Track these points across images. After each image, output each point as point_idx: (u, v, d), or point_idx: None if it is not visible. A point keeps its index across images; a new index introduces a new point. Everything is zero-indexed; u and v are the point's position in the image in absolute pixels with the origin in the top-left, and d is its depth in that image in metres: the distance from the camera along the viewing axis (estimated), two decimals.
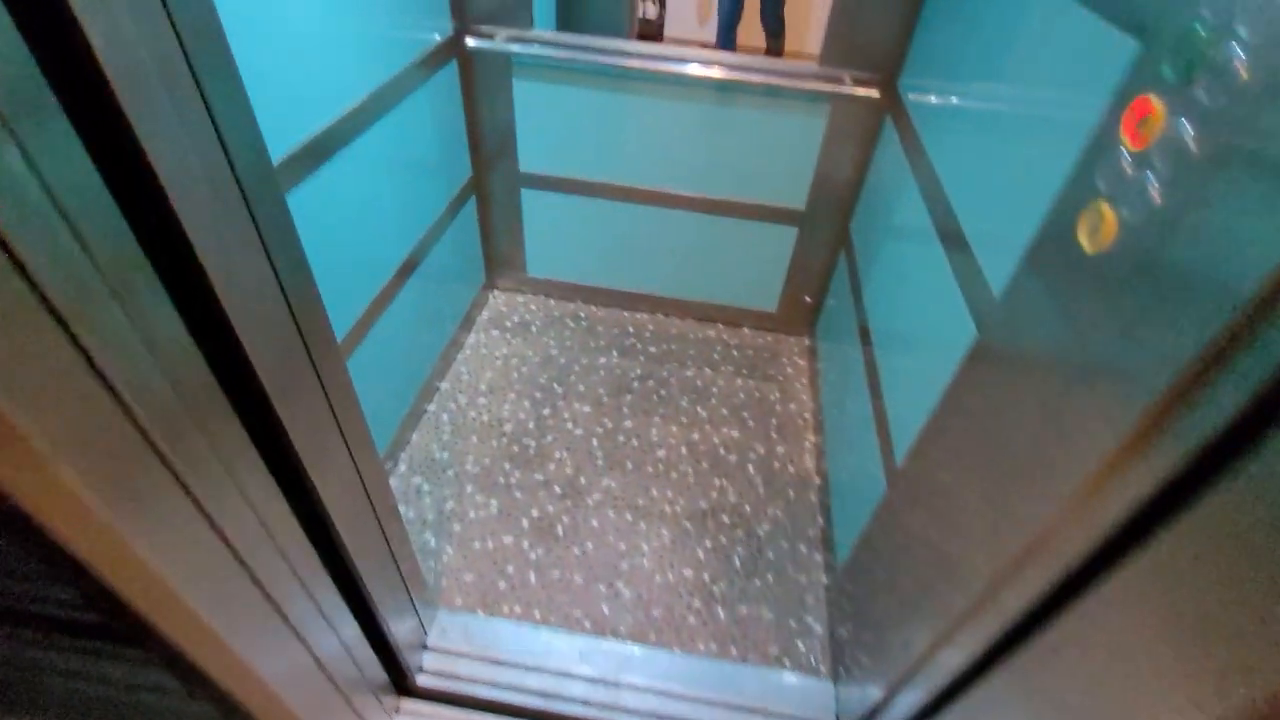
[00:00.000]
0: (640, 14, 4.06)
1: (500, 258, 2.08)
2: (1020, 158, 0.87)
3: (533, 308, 2.11)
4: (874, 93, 1.49)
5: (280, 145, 1.00)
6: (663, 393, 1.85)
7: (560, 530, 1.48)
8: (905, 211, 1.36)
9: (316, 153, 1.10)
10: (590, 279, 2.09)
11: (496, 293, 2.15)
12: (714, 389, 1.88)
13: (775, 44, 3.59)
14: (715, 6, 3.70)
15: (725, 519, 1.54)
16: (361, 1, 1.18)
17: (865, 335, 1.49)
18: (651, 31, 4.15)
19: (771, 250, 1.91)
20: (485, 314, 2.07)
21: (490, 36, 1.58)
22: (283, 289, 0.60)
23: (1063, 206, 0.69)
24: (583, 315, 2.10)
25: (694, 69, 1.53)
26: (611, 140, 1.75)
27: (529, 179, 1.86)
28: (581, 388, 1.84)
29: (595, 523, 1.50)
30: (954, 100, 1.18)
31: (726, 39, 3.59)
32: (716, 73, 1.52)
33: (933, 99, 1.31)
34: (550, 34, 1.61)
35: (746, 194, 1.79)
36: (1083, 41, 0.75)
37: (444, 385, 1.81)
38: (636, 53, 1.57)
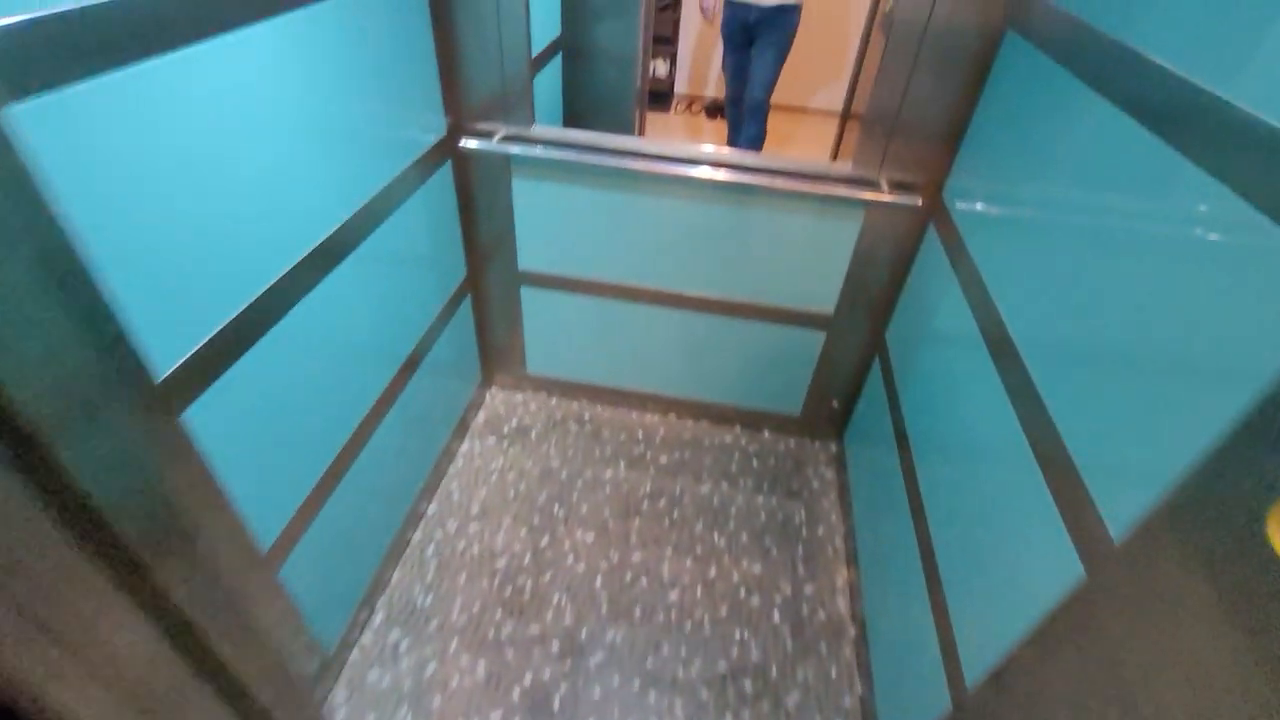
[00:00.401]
0: (651, 72, 3.98)
1: (498, 355, 1.92)
2: (1134, 349, 0.68)
3: (533, 408, 1.94)
4: (916, 200, 1.32)
5: (255, 280, 0.85)
6: (675, 515, 1.66)
7: (557, 702, 1.28)
8: (957, 339, 1.17)
9: (295, 284, 0.95)
10: (595, 378, 1.92)
11: (495, 390, 1.98)
12: (732, 509, 1.68)
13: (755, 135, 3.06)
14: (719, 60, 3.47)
15: (748, 685, 1.33)
16: (349, 111, 1.04)
17: (906, 454, 1.31)
18: (663, 89, 4.06)
19: (796, 353, 1.73)
20: (482, 416, 1.90)
21: (489, 134, 1.43)
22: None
23: (1234, 471, 0.51)
24: (587, 417, 1.92)
25: (703, 172, 1.37)
26: (617, 240, 1.59)
27: (528, 277, 1.70)
28: (585, 508, 1.65)
29: (597, 692, 1.30)
30: (1020, 229, 1.00)
31: (734, 114, 3.13)
32: (729, 176, 1.37)
33: (986, 213, 1.14)
34: (551, 131, 1.46)
35: (768, 297, 1.62)
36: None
37: (431, 509, 1.63)
38: (642, 152, 1.42)
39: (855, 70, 2.37)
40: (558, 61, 2.16)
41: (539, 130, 1.45)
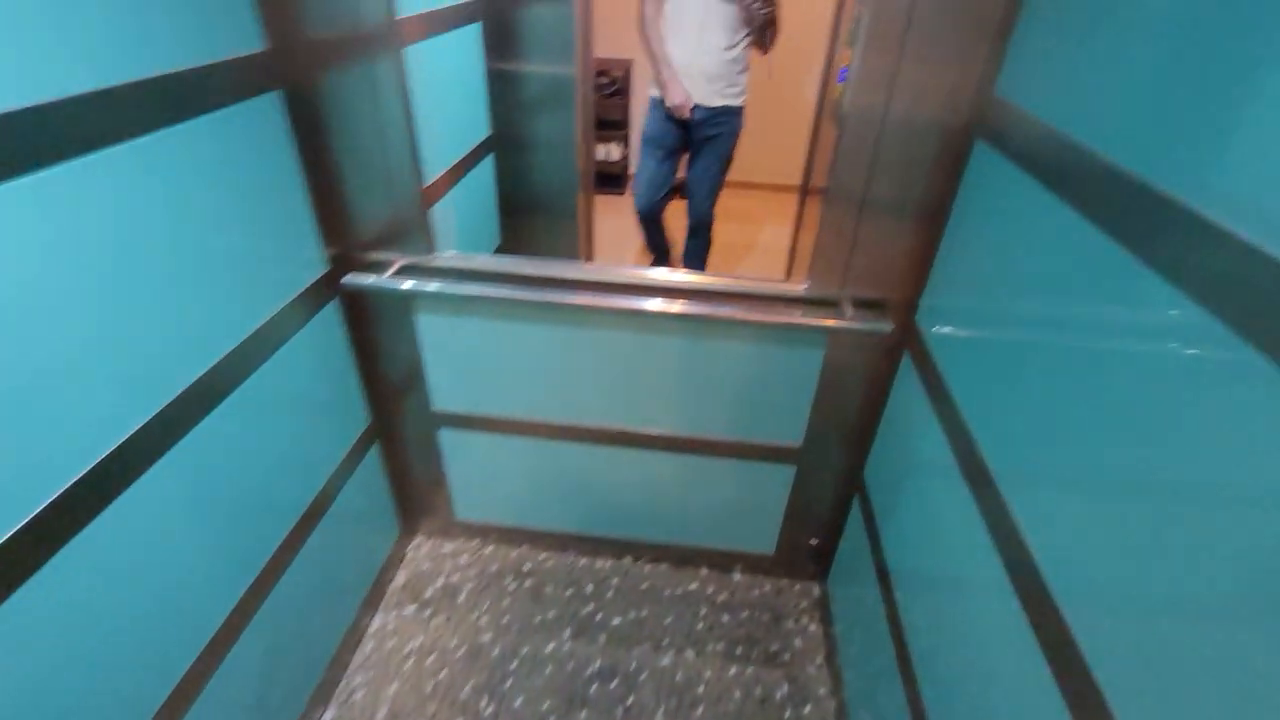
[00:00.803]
0: (604, 156, 3.88)
1: (421, 503, 1.64)
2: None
3: (463, 560, 1.65)
4: (885, 325, 1.12)
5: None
6: (631, 701, 1.36)
7: None
8: (935, 472, 0.99)
9: (149, 440, 0.72)
10: (536, 522, 1.65)
11: (420, 541, 1.70)
12: (700, 687, 1.39)
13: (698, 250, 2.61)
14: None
15: None
16: (200, 248, 0.84)
17: (891, 604, 1.12)
18: (616, 171, 3.96)
19: (764, 489, 1.48)
20: (401, 577, 1.60)
21: (383, 266, 1.21)
22: None
23: None
24: (527, 569, 1.63)
25: (644, 303, 1.16)
26: (547, 376, 1.36)
27: (446, 419, 1.45)
28: (520, 700, 1.35)
29: None
30: (995, 352, 0.83)
31: (651, 228, 2.57)
32: (668, 307, 1.15)
33: (961, 335, 0.95)
34: (457, 259, 1.25)
35: (727, 432, 1.39)
36: None
37: (328, 717, 1.31)
38: (569, 280, 1.21)
39: (810, 147, 2.25)
40: (489, 162, 2.00)
41: (443, 259, 1.24)
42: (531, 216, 2.23)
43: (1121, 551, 0.58)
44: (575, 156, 2.15)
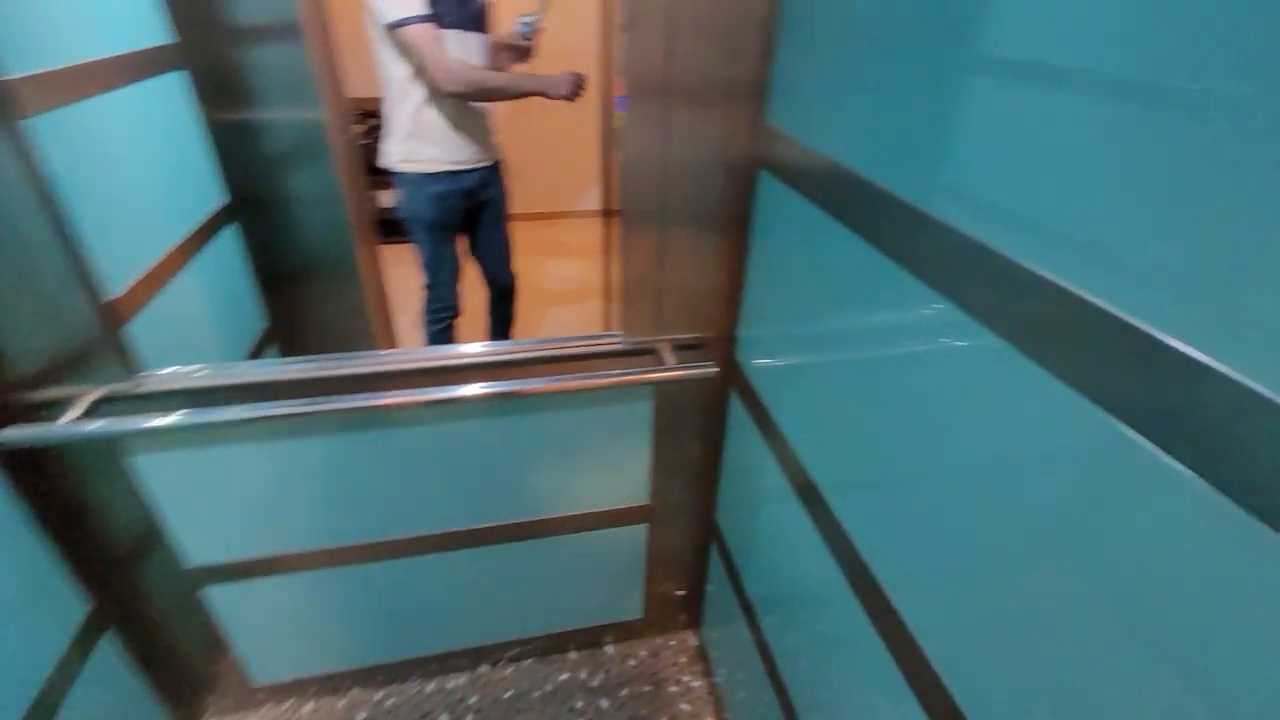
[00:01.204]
0: (391, 203, 3.55)
1: (197, 682, 1.29)
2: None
3: None
4: (709, 366, 1.04)
5: None
6: None
7: None
8: (775, 500, 0.96)
9: None
10: (361, 658, 1.37)
11: None
12: None
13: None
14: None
15: None
16: None
17: (762, 644, 1.09)
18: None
19: (620, 554, 1.36)
20: None
21: (60, 407, 0.89)
22: None
23: None
24: (363, 716, 1.35)
25: (465, 390, 0.97)
26: (346, 490, 1.11)
27: (211, 574, 1.14)
28: None
29: None
30: (806, 374, 0.82)
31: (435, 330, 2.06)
32: (486, 388, 0.98)
33: (777, 363, 0.92)
34: (184, 376, 0.96)
35: (568, 506, 1.24)
36: None
37: None
38: (358, 375, 0.99)
39: (604, 175, 2.18)
40: (231, 234, 1.65)
41: (158, 380, 0.94)
42: (304, 285, 1.90)
43: (924, 531, 0.63)
44: (343, 210, 1.87)
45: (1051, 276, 0.43)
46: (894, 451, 0.67)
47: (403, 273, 2.07)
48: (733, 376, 1.10)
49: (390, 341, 1.99)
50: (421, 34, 1.56)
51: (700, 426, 1.20)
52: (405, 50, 1.62)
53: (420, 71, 1.65)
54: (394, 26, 1.55)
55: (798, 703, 0.98)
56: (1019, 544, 0.51)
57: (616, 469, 1.22)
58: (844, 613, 0.78)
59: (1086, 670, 0.45)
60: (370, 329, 1.88)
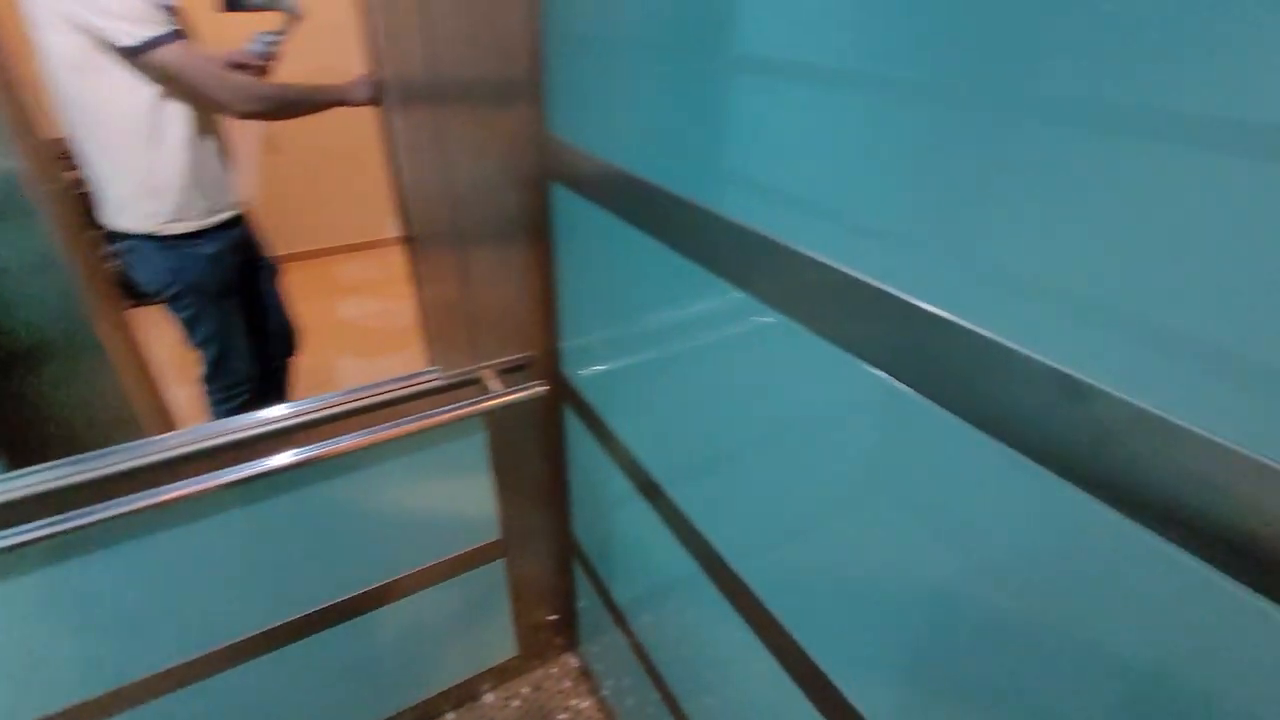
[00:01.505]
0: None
1: None
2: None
3: None
4: (537, 388, 1.02)
5: None
6: None
7: None
8: (623, 505, 0.97)
9: None
10: None
11: None
12: None
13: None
14: None
15: None
16: None
17: (641, 652, 1.10)
18: None
19: (482, 596, 1.29)
20: None
21: None
22: None
23: None
24: None
25: (272, 462, 0.84)
26: (130, 615, 0.92)
27: None
28: None
29: None
30: (632, 377, 0.85)
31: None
32: (297, 455, 0.86)
33: (603, 371, 0.94)
34: None
35: (414, 561, 1.15)
36: None
37: None
38: (122, 473, 0.81)
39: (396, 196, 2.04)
40: None
41: None
42: (30, 376, 1.55)
43: (754, 501, 0.67)
44: (67, 276, 1.54)
45: (820, 256, 0.48)
46: (716, 435, 0.70)
47: (165, 336, 1.73)
48: (563, 391, 1.10)
49: (165, 421, 1.69)
50: (182, 54, 1.27)
51: (540, 447, 1.18)
52: (162, 78, 1.30)
53: (182, 100, 1.34)
54: (140, 51, 1.24)
55: (678, 691, 1.00)
56: (833, 494, 0.56)
57: (460, 510, 1.15)
58: (700, 594, 0.81)
59: (904, 589, 0.51)
60: (133, 412, 1.59)
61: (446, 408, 0.96)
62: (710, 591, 0.79)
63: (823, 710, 0.63)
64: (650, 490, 0.88)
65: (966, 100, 0.36)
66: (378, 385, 0.98)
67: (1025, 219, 0.34)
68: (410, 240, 0.90)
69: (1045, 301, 0.35)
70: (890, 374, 0.44)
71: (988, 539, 0.42)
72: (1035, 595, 0.40)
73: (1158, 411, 0.31)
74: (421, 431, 0.96)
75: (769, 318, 0.56)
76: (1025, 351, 0.36)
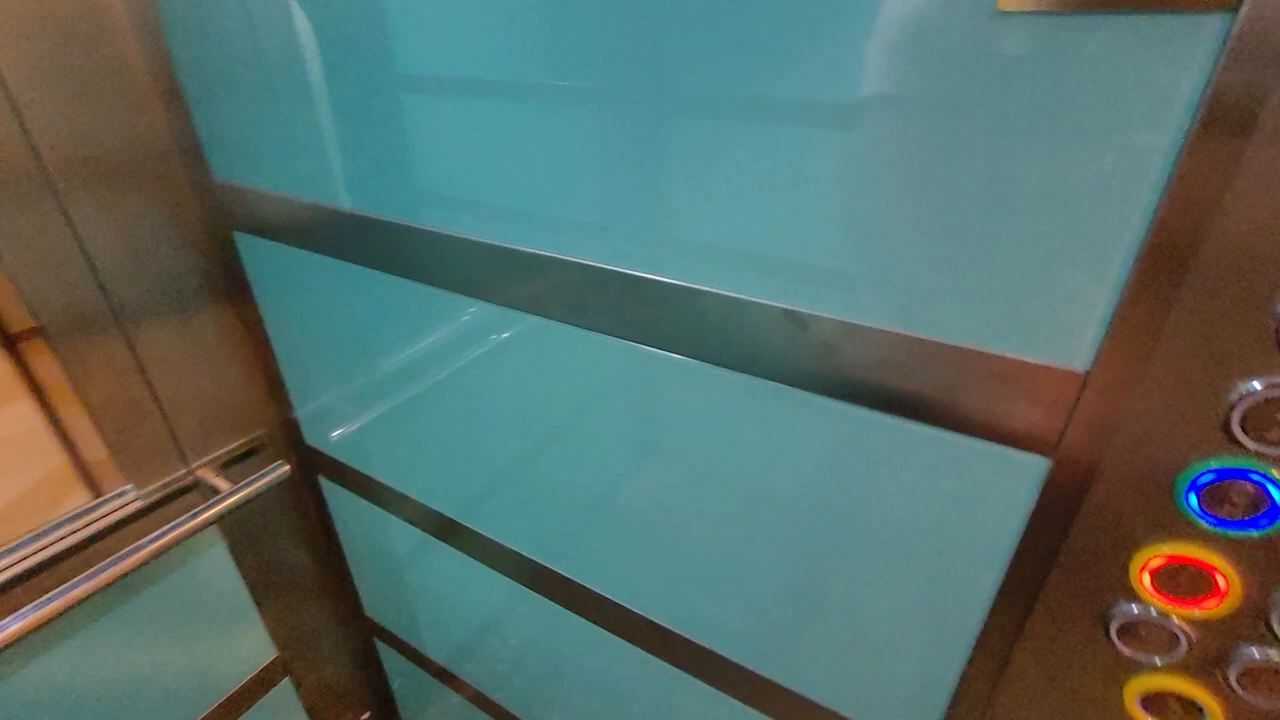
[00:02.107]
0: None
1: None
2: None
3: None
4: (278, 470, 0.87)
5: None
6: None
7: None
8: (437, 563, 0.91)
9: None
10: None
11: None
12: None
13: None
14: None
15: None
16: None
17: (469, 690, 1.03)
18: None
19: None
20: None
21: None
22: None
23: None
24: None
25: None
26: None
27: None
28: None
29: None
30: (390, 417, 0.79)
31: None
32: None
33: (356, 426, 0.86)
34: None
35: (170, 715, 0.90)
36: None
37: None
38: None
39: None
40: None
41: None
42: None
43: (553, 495, 0.68)
44: None
45: (548, 252, 0.50)
46: (502, 448, 0.69)
47: None
48: (313, 463, 0.96)
49: None
50: None
51: (300, 534, 1.02)
52: None
53: None
54: None
55: (535, 716, 0.97)
56: (621, 463, 0.60)
57: (220, 641, 0.94)
58: (525, 607, 0.80)
59: (718, 530, 0.56)
60: None
61: (157, 533, 0.77)
62: (532, 600, 0.78)
63: (672, 661, 0.67)
64: (447, 530, 0.83)
65: (623, 101, 0.41)
66: (42, 534, 0.74)
67: (715, 195, 0.41)
68: (44, 333, 0.69)
69: (757, 259, 0.41)
70: (646, 344, 0.49)
71: (769, 462, 0.49)
72: (814, 496, 0.48)
73: (852, 320, 0.39)
74: (134, 571, 0.75)
75: (514, 320, 0.57)
76: (759, 300, 0.42)
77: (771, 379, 0.44)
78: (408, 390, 0.75)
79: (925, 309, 0.37)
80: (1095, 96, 0.28)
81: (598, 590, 0.70)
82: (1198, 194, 0.28)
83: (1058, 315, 0.33)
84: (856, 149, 0.35)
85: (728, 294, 0.43)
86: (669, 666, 0.68)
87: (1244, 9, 0.25)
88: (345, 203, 0.62)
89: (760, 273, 0.42)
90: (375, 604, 1.12)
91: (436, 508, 0.82)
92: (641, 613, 0.67)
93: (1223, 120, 0.26)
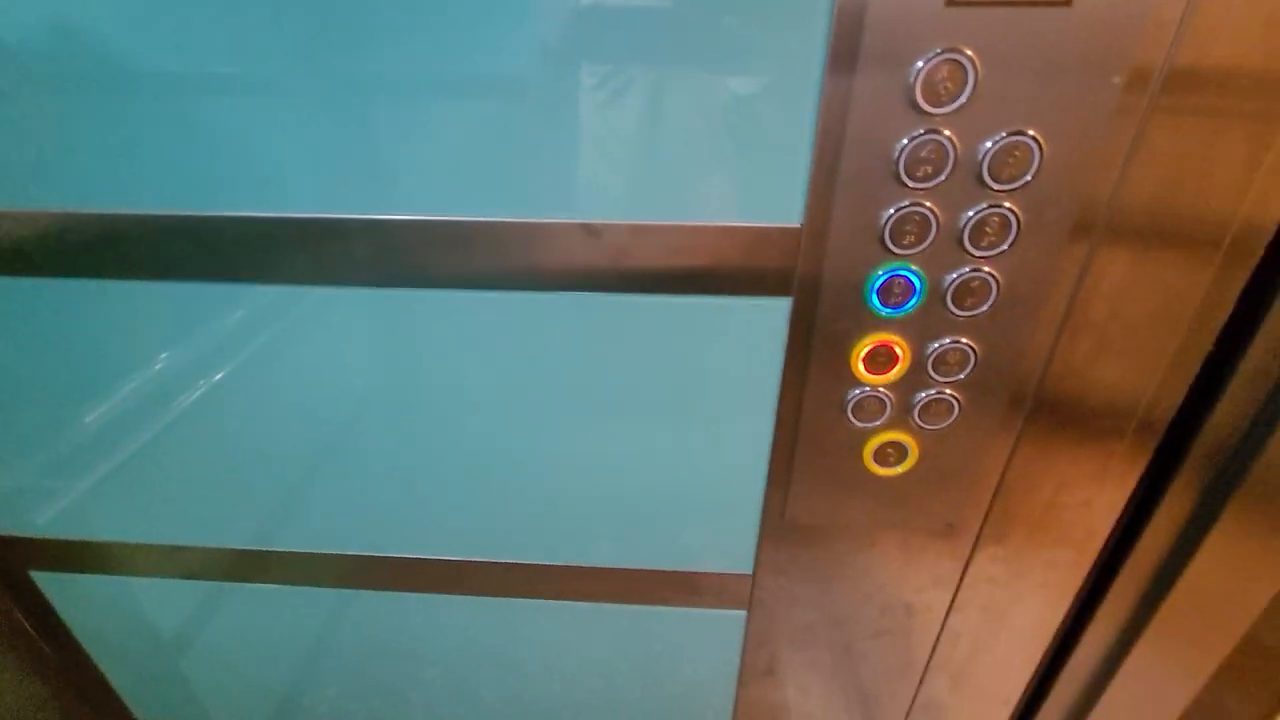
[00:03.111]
0: None
1: None
2: None
3: None
4: None
5: None
6: None
7: None
8: (273, 621, 0.81)
9: None
10: None
11: None
12: None
13: None
14: None
15: None
16: None
17: None
18: None
19: None
20: None
21: None
22: None
23: None
24: None
25: None
26: None
27: None
28: None
29: None
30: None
31: None
32: None
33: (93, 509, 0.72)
34: None
35: None
36: None
37: None
38: None
39: None
40: None
41: None
42: None
43: (361, 482, 0.67)
44: None
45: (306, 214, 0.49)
46: (295, 446, 0.65)
47: None
48: (15, 556, 0.75)
49: None
50: None
51: (16, 655, 0.79)
52: None
53: None
54: None
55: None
56: (440, 417, 0.61)
57: None
58: (363, 611, 0.77)
59: (523, 450, 0.62)
60: None
61: None
62: (377, 599, 0.75)
63: (520, 593, 0.72)
64: (245, 566, 0.74)
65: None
66: None
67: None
68: None
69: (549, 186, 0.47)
70: (451, 288, 0.52)
71: (581, 365, 0.56)
72: (620, 386, 0.56)
73: (637, 220, 0.48)
74: None
75: (285, 300, 0.54)
76: (558, 220, 0.48)
77: (573, 289, 0.51)
78: (145, 424, 0.65)
79: (689, 203, 0.47)
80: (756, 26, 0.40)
81: (440, 557, 0.70)
82: (838, 111, 0.41)
83: (776, 191, 0.46)
84: (610, 96, 0.43)
85: (528, 220, 0.48)
86: (516, 600, 0.72)
87: None
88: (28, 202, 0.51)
89: (552, 198, 0.48)
90: (150, 700, 0.93)
91: (226, 545, 0.72)
92: (489, 559, 0.70)
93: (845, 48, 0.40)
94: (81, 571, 0.76)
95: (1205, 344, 0.49)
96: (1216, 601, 0.60)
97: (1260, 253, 0.45)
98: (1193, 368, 0.50)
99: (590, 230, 0.48)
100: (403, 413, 0.61)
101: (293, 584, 0.76)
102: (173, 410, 0.63)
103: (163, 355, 0.60)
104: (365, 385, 0.60)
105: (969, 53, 0.39)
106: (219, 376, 0.60)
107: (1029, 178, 0.43)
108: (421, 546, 0.70)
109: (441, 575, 0.71)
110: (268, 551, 0.72)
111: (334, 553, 0.72)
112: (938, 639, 0.70)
